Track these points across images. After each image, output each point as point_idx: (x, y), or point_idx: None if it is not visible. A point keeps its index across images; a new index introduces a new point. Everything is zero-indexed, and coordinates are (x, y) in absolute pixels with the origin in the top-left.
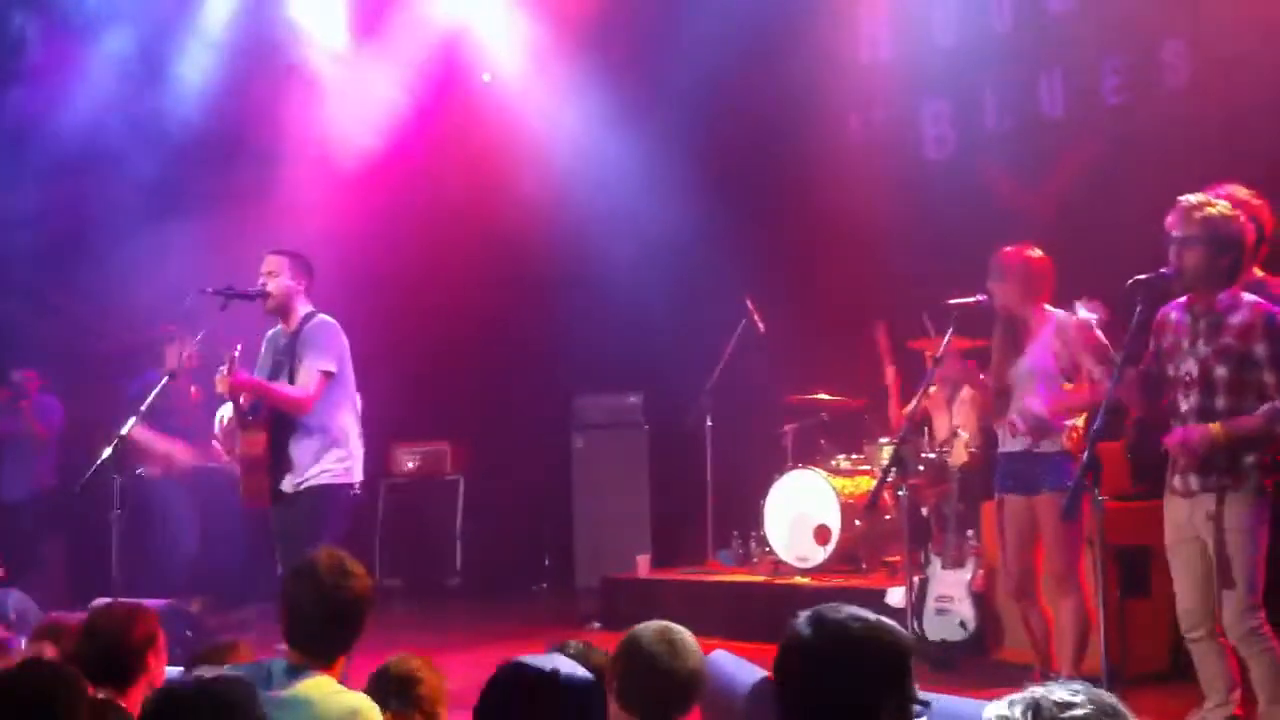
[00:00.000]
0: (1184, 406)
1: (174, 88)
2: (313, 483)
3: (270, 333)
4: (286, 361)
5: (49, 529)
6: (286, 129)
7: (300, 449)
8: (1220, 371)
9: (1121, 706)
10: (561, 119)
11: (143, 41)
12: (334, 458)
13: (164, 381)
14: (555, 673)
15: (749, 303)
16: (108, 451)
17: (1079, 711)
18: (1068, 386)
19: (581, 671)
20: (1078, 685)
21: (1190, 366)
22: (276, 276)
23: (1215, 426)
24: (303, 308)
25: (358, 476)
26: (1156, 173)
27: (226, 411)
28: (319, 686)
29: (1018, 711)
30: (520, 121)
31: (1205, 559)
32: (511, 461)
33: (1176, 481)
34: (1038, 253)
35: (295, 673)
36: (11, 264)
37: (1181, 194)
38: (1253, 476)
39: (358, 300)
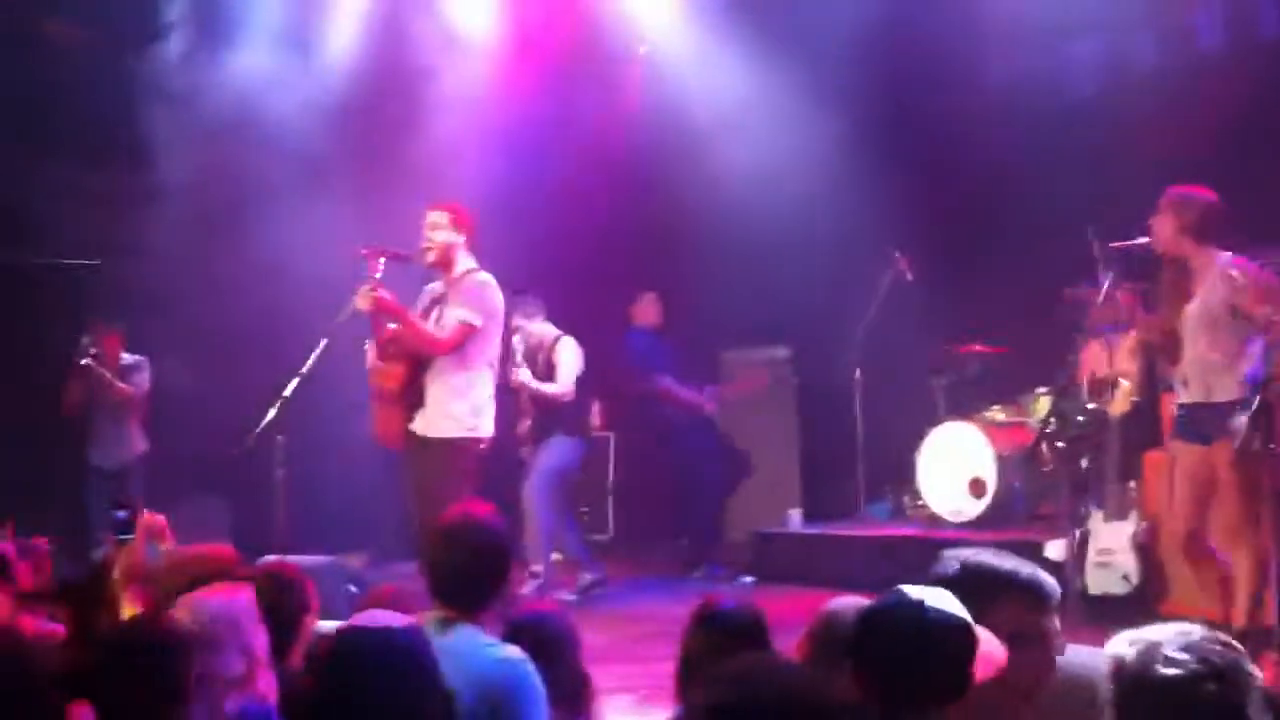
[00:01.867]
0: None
1: (324, 53)
2: (443, 434)
3: (430, 285)
4: (439, 309)
5: (212, 489)
6: (437, 95)
7: (435, 392)
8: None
9: (1242, 667)
10: (707, 78)
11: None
12: (466, 410)
13: (323, 345)
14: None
15: (897, 253)
16: (273, 412)
17: (1179, 671)
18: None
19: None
20: (1202, 638)
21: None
22: (439, 229)
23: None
24: (464, 261)
25: (487, 431)
26: None
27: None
28: (470, 639)
29: (1133, 653)
30: (666, 82)
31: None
32: (661, 416)
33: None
34: (1205, 193)
35: (445, 626)
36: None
37: None
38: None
39: (512, 255)
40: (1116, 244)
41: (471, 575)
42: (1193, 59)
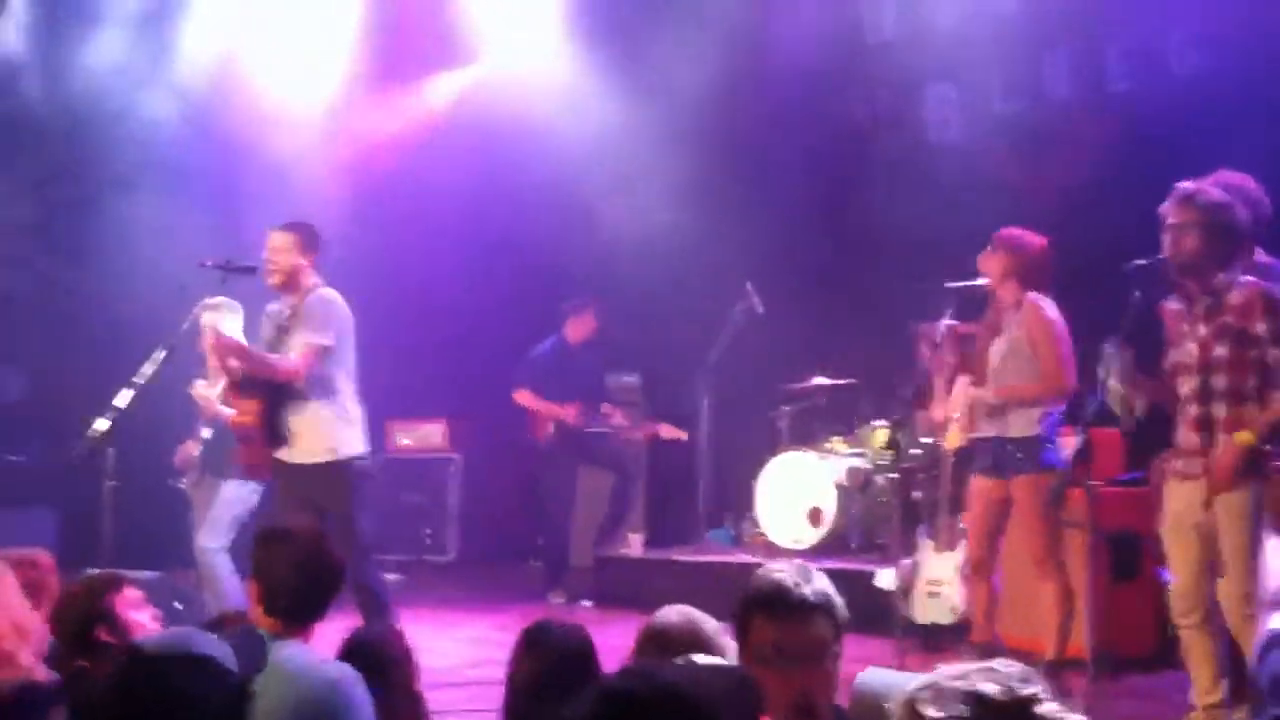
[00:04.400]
0: (1184, 390)
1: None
2: (324, 458)
3: (271, 307)
4: (285, 334)
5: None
6: (287, 105)
7: (303, 421)
8: (1219, 351)
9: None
10: (566, 100)
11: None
12: (342, 430)
13: (161, 355)
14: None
15: (748, 285)
16: (103, 422)
17: (943, 715)
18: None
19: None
20: (988, 679)
21: (1190, 349)
22: (282, 252)
23: (1242, 436)
24: (308, 281)
25: (361, 448)
26: (1161, 160)
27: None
28: (298, 655)
29: (911, 693)
30: (524, 102)
31: (1203, 545)
32: (508, 440)
33: (1179, 465)
34: (1035, 238)
35: (273, 640)
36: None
37: (1183, 181)
38: (1257, 462)
39: (354, 278)
40: (953, 284)
41: (301, 589)
42: (1041, 108)
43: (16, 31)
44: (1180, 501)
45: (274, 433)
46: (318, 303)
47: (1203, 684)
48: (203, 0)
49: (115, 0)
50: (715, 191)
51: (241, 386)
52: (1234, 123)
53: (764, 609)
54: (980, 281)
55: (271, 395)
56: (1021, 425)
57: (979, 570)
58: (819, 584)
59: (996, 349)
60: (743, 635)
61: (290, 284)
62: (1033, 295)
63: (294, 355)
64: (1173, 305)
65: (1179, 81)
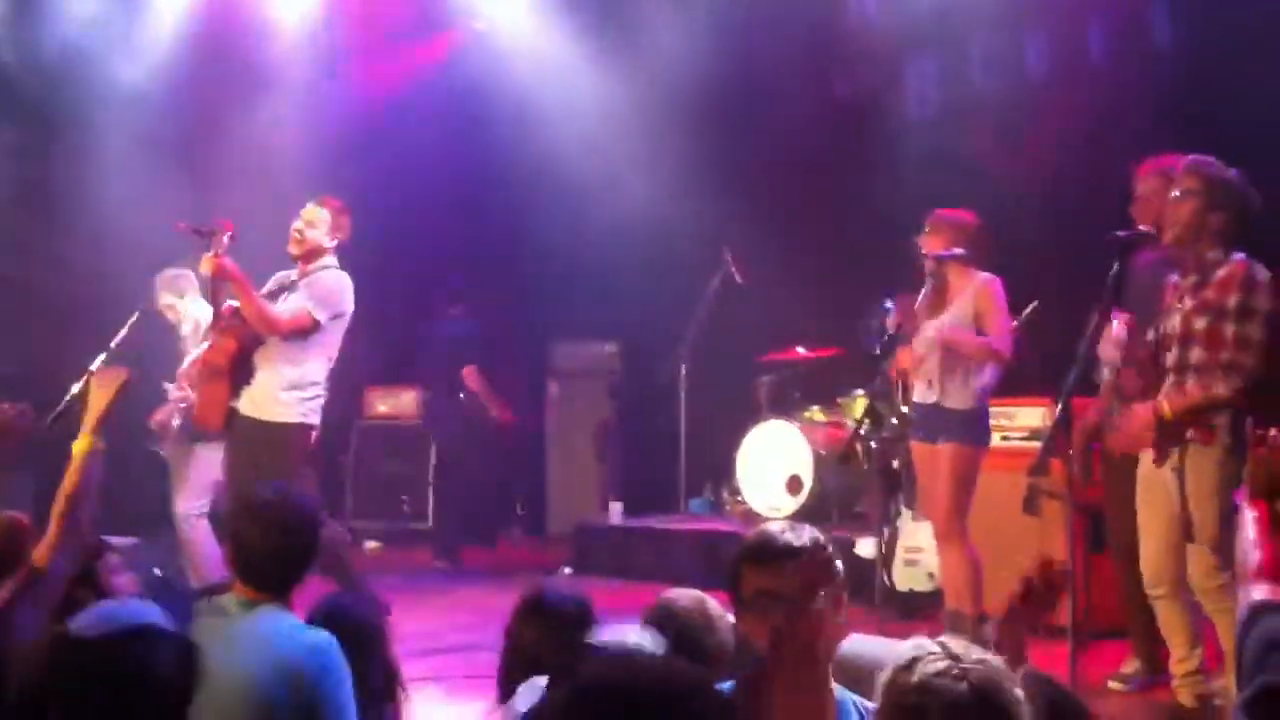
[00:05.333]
0: (1167, 362)
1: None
2: (274, 418)
3: (281, 273)
4: (282, 294)
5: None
6: (265, 69)
7: (266, 376)
8: (1199, 324)
9: (1004, 693)
10: (545, 71)
11: None
12: (298, 397)
13: (134, 319)
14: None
15: (727, 254)
16: (77, 387)
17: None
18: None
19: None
20: (968, 663)
21: (1175, 321)
22: (315, 227)
23: (1161, 406)
24: (324, 259)
25: (316, 420)
26: (1139, 137)
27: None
28: (275, 622)
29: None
30: (501, 70)
31: (1172, 515)
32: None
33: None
34: (971, 216)
35: (249, 607)
36: None
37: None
38: (1222, 434)
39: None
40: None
41: (278, 556)
42: (1021, 82)
43: None
44: (1150, 470)
45: (237, 379)
46: (329, 277)
47: (1179, 652)
48: None
49: None
50: (695, 163)
51: (224, 327)
52: (1215, 98)
53: (751, 559)
54: (955, 252)
55: (250, 342)
56: (959, 398)
57: (941, 537)
58: (806, 534)
59: (936, 323)
60: (735, 590)
61: (307, 257)
62: (985, 274)
63: (285, 310)
64: (1174, 278)
65: (1160, 56)
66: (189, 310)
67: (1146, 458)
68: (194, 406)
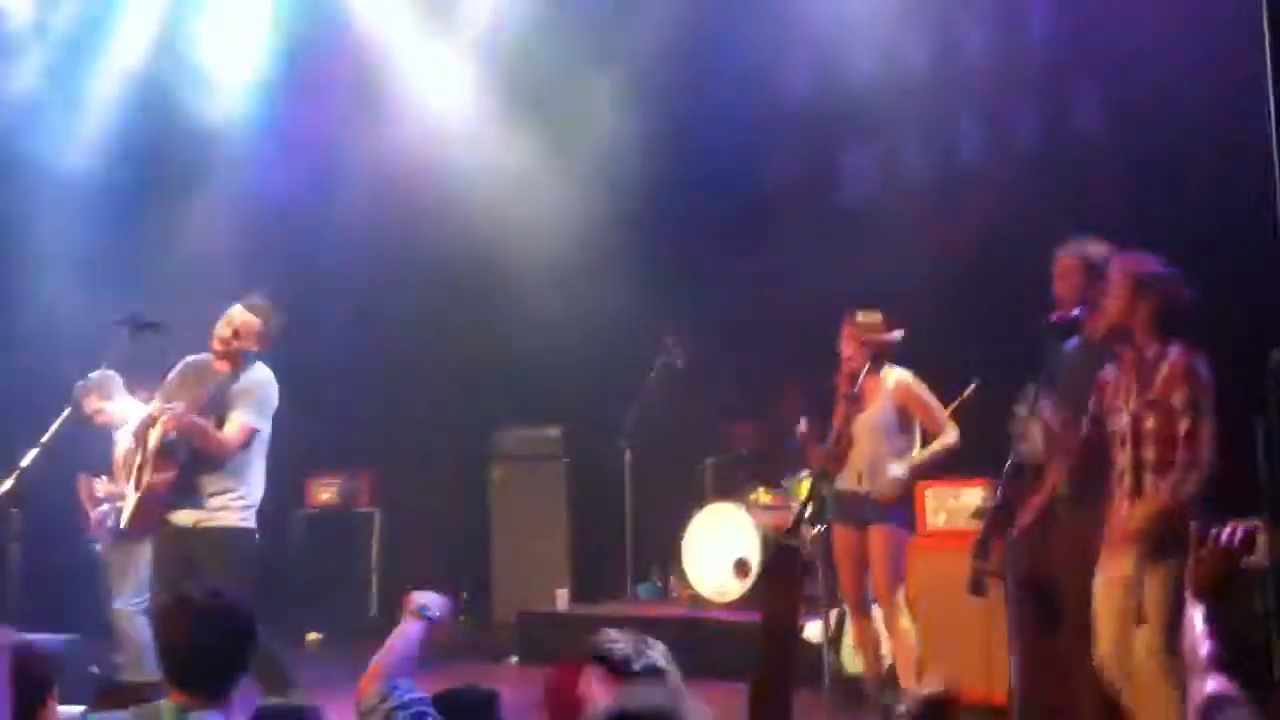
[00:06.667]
0: (1120, 462)
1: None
2: (218, 524)
3: (194, 360)
4: (219, 399)
5: None
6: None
7: (207, 487)
8: (1149, 424)
9: None
10: (481, 151)
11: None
12: (238, 503)
13: (66, 413)
14: None
15: (668, 339)
16: (8, 483)
17: None
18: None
19: None
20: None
21: (1124, 421)
22: (246, 337)
23: (1135, 514)
24: (248, 358)
25: (254, 526)
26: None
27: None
28: None
29: None
30: (441, 153)
31: (1128, 609)
32: (429, 494)
33: (1113, 533)
34: (876, 316)
35: (182, 714)
36: None
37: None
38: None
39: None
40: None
41: (213, 659)
42: (953, 169)
43: None
44: (1112, 568)
45: (179, 496)
46: (263, 384)
47: None
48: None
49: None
50: (634, 245)
51: (163, 452)
52: (1138, 183)
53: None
54: (896, 335)
55: (190, 460)
56: (887, 486)
57: (886, 617)
58: (655, 654)
59: (863, 421)
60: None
61: (234, 361)
62: (898, 370)
63: (230, 431)
64: (1109, 375)
65: (1086, 141)
66: (119, 412)
67: (1108, 556)
68: (131, 511)
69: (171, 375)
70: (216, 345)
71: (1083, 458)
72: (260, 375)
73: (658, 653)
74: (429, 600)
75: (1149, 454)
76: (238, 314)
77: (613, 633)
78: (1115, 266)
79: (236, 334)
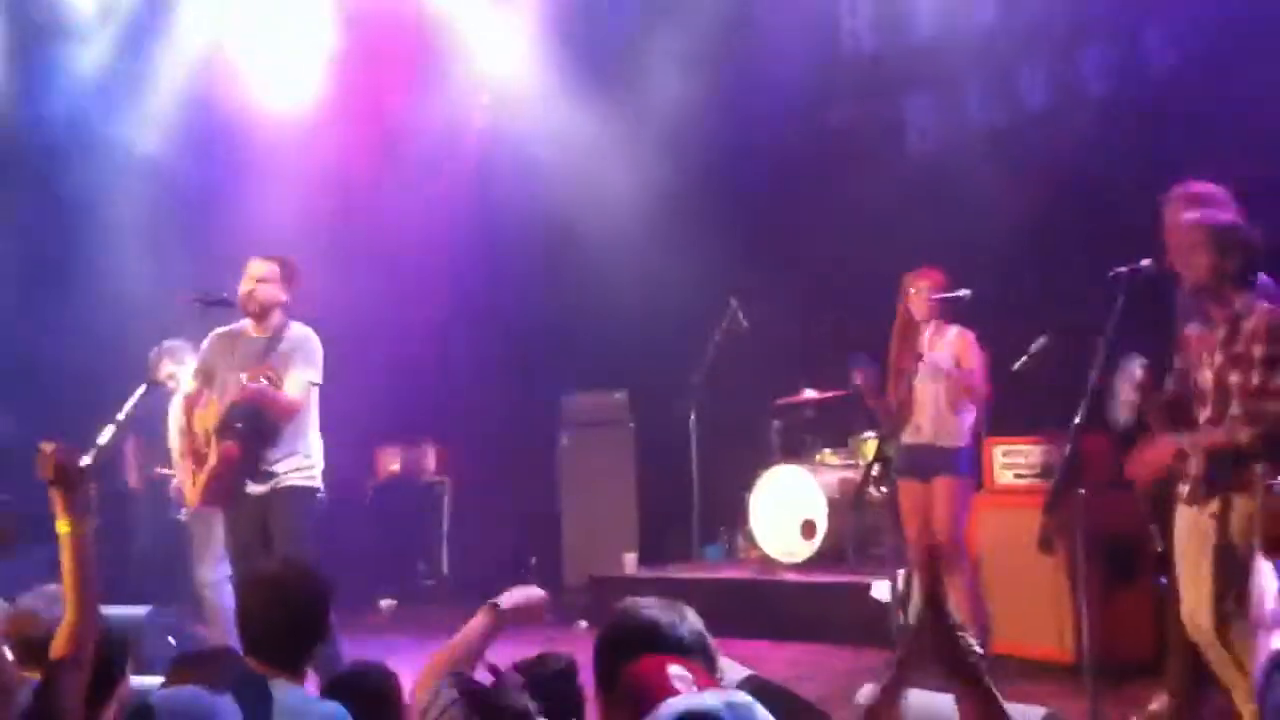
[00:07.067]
0: (1202, 418)
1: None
2: (285, 483)
3: (225, 330)
4: (262, 363)
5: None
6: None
7: (274, 454)
8: (1233, 378)
9: None
10: (545, 119)
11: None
12: (303, 464)
13: (141, 390)
14: None
15: (733, 300)
16: (87, 459)
17: None
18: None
19: None
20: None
21: (1206, 376)
22: (268, 282)
23: (1184, 441)
24: (284, 313)
25: (321, 484)
26: (1141, 166)
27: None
28: (288, 696)
29: None
30: (506, 121)
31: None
32: (497, 462)
33: (1182, 489)
34: (939, 274)
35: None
36: None
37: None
38: (1259, 485)
39: (343, 301)
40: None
41: (289, 629)
42: (1019, 114)
43: None
44: (1187, 521)
45: (249, 467)
46: (308, 339)
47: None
48: (184, 18)
49: (92, 20)
50: (697, 207)
51: (224, 426)
52: (1211, 120)
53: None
54: (961, 293)
55: (253, 433)
56: (949, 435)
57: (947, 570)
58: (694, 623)
59: (926, 375)
60: (608, 681)
61: (265, 314)
62: (959, 327)
63: (294, 390)
64: (1193, 329)
65: (1155, 82)
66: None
67: (1182, 512)
68: (203, 492)
69: (204, 347)
70: (248, 304)
71: (1169, 414)
72: (302, 331)
73: (692, 618)
74: (518, 596)
75: (1233, 410)
76: (254, 265)
77: (643, 600)
78: (1196, 221)
79: (262, 280)
